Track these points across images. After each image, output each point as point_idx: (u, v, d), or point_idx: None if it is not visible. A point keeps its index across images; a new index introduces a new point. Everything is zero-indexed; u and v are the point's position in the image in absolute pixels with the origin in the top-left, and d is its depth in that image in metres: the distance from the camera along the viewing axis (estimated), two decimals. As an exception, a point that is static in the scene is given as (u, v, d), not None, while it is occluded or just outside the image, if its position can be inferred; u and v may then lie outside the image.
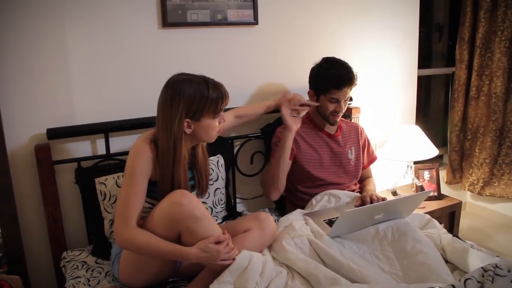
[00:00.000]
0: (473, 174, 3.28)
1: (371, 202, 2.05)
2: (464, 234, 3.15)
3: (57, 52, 1.95)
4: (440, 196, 2.75)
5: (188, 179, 1.71)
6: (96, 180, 1.96)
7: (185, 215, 1.51)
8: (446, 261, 1.71)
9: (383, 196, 2.14)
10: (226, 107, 1.71)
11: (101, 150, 2.09)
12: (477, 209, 3.50)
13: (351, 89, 2.15)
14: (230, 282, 1.54)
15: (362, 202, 2.08)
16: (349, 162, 2.30)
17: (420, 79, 3.14)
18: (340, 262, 1.62)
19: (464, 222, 3.32)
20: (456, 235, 2.70)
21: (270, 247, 1.81)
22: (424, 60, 3.33)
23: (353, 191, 2.32)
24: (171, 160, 1.60)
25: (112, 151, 2.07)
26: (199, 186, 1.80)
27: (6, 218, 1.88)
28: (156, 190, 1.61)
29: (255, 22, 2.31)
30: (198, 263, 1.63)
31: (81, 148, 2.06)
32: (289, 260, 1.69)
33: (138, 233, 1.54)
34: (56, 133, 1.94)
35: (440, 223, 2.62)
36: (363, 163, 2.39)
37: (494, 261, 1.58)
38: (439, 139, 3.59)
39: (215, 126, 1.67)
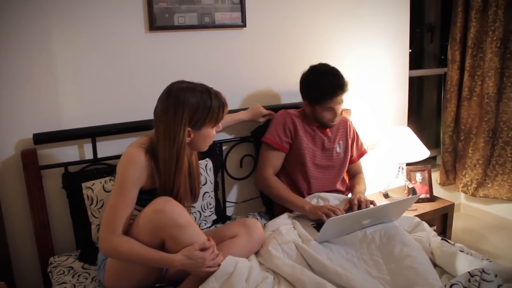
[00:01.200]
0: (466, 175, 3.27)
1: (359, 205, 2.04)
2: (458, 235, 3.14)
3: (43, 56, 1.93)
4: (432, 198, 2.74)
5: (188, 187, 1.70)
6: (83, 185, 1.94)
7: (168, 223, 1.50)
8: (435, 265, 1.70)
9: (372, 199, 2.12)
10: None
11: (89, 155, 2.07)
12: (471, 210, 3.49)
13: (344, 94, 2.14)
14: (215, 288, 1.54)
15: (350, 206, 2.07)
16: (338, 156, 2.30)
17: (412, 80, 3.13)
18: (326, 267, 1.61)
19: (459, 224, 3.32)
20: (449, 238, 2.74)
21: (257, 253, 1.80)
22: (416, 61, 3.32)
23: (342, 192, 2.31)
24: (173, 169, 1.58)
25: (99, 155, 2.06)
26: (193, 193, 1.78)
27: (-9, 224, 1.87)
28: (149, 199, 1.58)
29: (243, 24, 2.30)
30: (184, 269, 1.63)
31: (68, 152, 2.05)
32: (276, 266, 1.68)
33: (122, 241, 1.52)
34: (42, 138, 1.93)
35: (433, 226, 2.65)
36: (352, 156, 2.38)
37: (481, 265, 1.60)
38: (432, 140, 3.58)
39: (212, 135, 1.67)
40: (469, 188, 3.27)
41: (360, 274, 1.63)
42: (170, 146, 1.55)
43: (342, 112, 2.24)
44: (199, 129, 1.60)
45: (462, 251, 1.80)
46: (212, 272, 1.54)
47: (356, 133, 2.43)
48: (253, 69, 2.41)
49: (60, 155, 2.04)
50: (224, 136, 2.35)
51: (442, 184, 3.39)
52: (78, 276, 1.82)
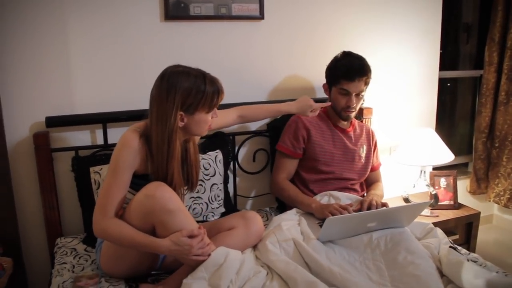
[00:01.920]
0: (499, 185, 3.08)
1: (369, 208, 1.97)
2: (488, 248, 2.98)
3: (58, 42, 1.98)
4: (457, 206, 2.59)
5: (181, 173, 1.69)
6: (91, 169, 1.98)
7: (158, 208, 1.48)
8: (443, 274, 1.60)
9: (393, 203, 2.05)
10: (223, 102, 1.67)
11: (100, 140, 2.11)
12: (504, 222, 3.28)
13: (365, 83, 2.09)
14: (205, 278, 1.51)
15: (361, 206, 1.99)
16: (360, 159, 2.24)
17: (445, 82, 2.98)
18: (322, 266, 1.56)
19: (490, 236, 3.15)
20: (473, 249, 2.58)
21: (255, 246, 1.76)
22: (450, 62, 3.16)
23: (357, 192, 2.24)
24: (165, 153, 1.57)
25: (110, 141, 2.09)
26: (189, 181, 1.77)
27: (1, 201, 1.93)
28: (143, 184, 1.58)
29: (261, 16, 2.26)
30: None
31: (80, 137, 2.09)
32: (270, 261, 1.63)
33: (113, 223, 1.53)
34: (54, 121, 1.98)
35: (455, 235, 2.51)
36: (373, 164, 2.32)
37: (489, 277, 1.48)
38: (464, 146, 3.40)
39: (208, 121, 1.63)
40: (501, 198, 3.08)
41: (358, 276, 1.57)
42: (162, 130, 1.54)
43: (360, 102, 2.16)
44: (192, 114, 1.57)
45: (476, 261, 1.69)
46: (201, 262, 1.51)
47: (376, 144, 2.37)
48: (271, 63, 2.37)
49: (73, 140, 2.08)
50: (238, 128, 2.32)
51: (473, 192, 3.21)
52: (79, 258, 1.86)
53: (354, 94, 2.08)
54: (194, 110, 1.57)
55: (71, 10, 1.97)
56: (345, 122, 2.22)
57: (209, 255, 1.53)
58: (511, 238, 3.14)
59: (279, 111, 2.12)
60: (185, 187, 1.76)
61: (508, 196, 3.04)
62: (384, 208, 1.87)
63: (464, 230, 2.58)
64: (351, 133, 2.24)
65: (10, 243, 1.98)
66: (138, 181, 1.60)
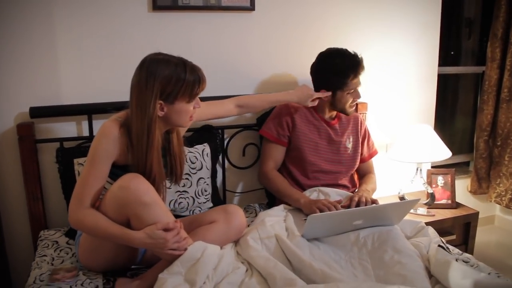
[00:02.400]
0: (501, 185, 3.00)
1: (358, 205, 1.92)
2: (489, 249, 2.91)
3: (44, 32, 1.95)
4: (454, 205, 2.52)
5: (162, 164, 1.64)
6: (75, 160, 1.94)
7: (132, 200, 1.44)
8: (432, 274, 1.54)
9: (387, 201, 1.99)
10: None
11: (86, 132, 2.08)
12: (506, 223, 3.20)
13: (362, 73, 2.07)
14: (181, 273, 1.47)
15: (349, 204, 1.94)
16: (346, 151, 2.18)
17: (446, 78, 2.90)
18: (303, 261, 1.53)
19: (492, 237, 3.08)
20: (471, 249, 2.51)
21: (236, 242, 1.72)
22: (451, 57, 3.08)
23: (347, 188, 2.18)
24: (144, 143, 1.53)
25: (96, 133, 2.04)
26: (172, 173, 1.73)
27: (-17, 193, 1.91)
28: (123, 174, 1.55)
29: (252, 7, 2.21)
30: None
31: (66, 128, 2.06)
32: (250, 257, 1.60)
33: (88, 214, 1.50)
34: (38, 112, 1.95)
35: (452, 235, 2.44)
36: (362, 155, 2.27)
37: (478, 278, 1.42)
38: (465, 144, 3.32)
39: (189, 111, 1.59)
40: (503, 199, 2.99)
41: (342, 273, 1.52)
42: (142, 119, 1.50)
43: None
44: (172, 103, 1.52)
45: (467, 262, 1.63)
46: (177, 256, 1.47)
47: (368, 132, 2.31)
48: (262, 55, 2.31)
49: (59, 131, 2.05)
50: (227, 121, 2.28)
51: (474, 192, 3.13)
52: (60, 250, 1.83)
53: (357, 87, 2.08)
54: (173, 99, 1.52)
55: (57, 0, 1.94)
56: (329, 114, 2.17)
57: (185, 249, 1.48)
58: (513, 239, 3.06)
59: (278, 100, 2.08)
60: (168, 180, 1.72)
61: (510, 196, 2.96)
62: (369, 206, 1.81)
63: (462, 231, 2.51)
64: (336, 126, 2.18)
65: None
66: (118, 172, 1.56)
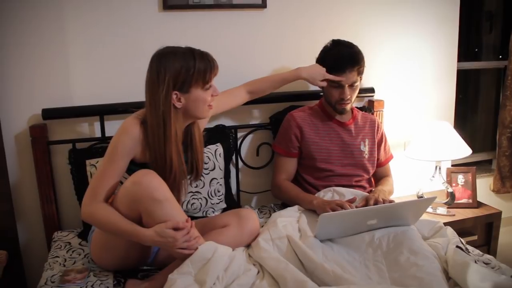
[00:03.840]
0: (525, 183, 2.89)
1: (375, 204, 1.85)
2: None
3: (56, 34, 1.96)
4: (475, 204, 2.43)
5: (183, 158, 1.63)
6: (87, 161, 1.95)
7: (144, 196, 1.44)
8: (450, 276, 1.48)
9: (394, 199, 1.91)
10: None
11: (98, 133, 2.08)
12: (532, 224, 3.08)
13: (358, 73, 1.98)
14: (191, 273, 1.45)
15: (366, 203, 1.88)
16: (362, 154, 2.11)
17: (467, 73, 2.82)
18: (314, 262, 1.49)
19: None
20: (494, 250, 2.42)
21: (248, 244, 1.70)
22: (471, 52, 2.99)
23: (363, 188, 2.12)
24: (161, 137, 1.53)
25: (108, 134, 2.05)
26: (193, 170, 1.71)
27: (-2, 194, 1.93)
28: None
29: (263, 5, 2.18)
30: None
31: (78, 130, 2.07)
32: (261, 258, 1.57)
33: (100, 207, 1.50)
34: (51, 114, 1.96)
35: (473, 235, 2.36)
36: (379, 159, 2.20)
37: (498, 280, 1.36)
38: (487, 141, 3.23)
39: (206, 99, 1.58)
40: (527, 198, 2.89)
41: (356, 275, 1.48)
42: (156, 112, 1.51)
43: (356, 91, 2.04)
44: (187, 92, 1.53)
45: (488, 263, 1.57)
46: (187, 255, 1.45)
47: (385, 136, 2.24)
48: (272, 53, 2.28)
49: (71, 132, 2.06)
50: (240, 121, 2.25)
51: (497, 191, 3.03)
52: (73, 251, 1.83)
53: (347, 85, 1.98)
54: (188, 87, 1.52)
55: (68, 2, 1.95)
56: (344, 115, 2.11)
57: (196, 249, 1.46)
58: (539, 240, 2.94)
59: (285, 79, 2.08)
60: (189, 177, 1.71)
61: (535, 195, 2.85)
62: (383, 204, 1.76)
63: (483, 231, 2.42)
64: (351, 126, 2.12)
65: (7, 237, 1.97)
66: (137, 169, 1.56)
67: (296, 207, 1.96)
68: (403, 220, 1.71)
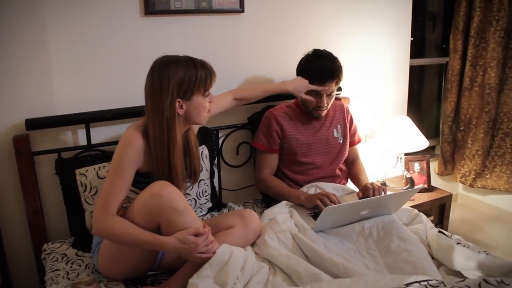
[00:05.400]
0: (465, 166, 3.25)
1: (374, 193, 2.00)
2: (455, 226, 3.14)
3: (36, 42, 1.89)
4: (430, 189, 2.72)
5: (184, 164, 1.68)
6: (77, 171, 1.91)
7: (165, 207, 1.48)
8: (433, 257, 1.68)
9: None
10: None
11: (82, 141, 2.04)
12: (468, 201, 3.47)
13: (336, 84, 2.11)
14: (210, 276, 1.52)
15: (364, 195, 2.03)
16: (336, 140, 2.27)
17: (413, 69, 3.09)
18: (322, 256, 1.60)
19: (456, 214, 3.31)
20: (445, 228, 2.72)
21: (253, 243, 1.78)
22: (417, 49, 3.27)
23: (338, 179, 2.29)
24: (165, 145, 1.56)
25: (93, 141, 2.03)
26: (191, 174, 1.76)
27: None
28: (146, 182, 1.57)
29: (241, 10, 2.24)
30: (180, 257, 1.62)
31: (62, 138, 2.02)
32: (271, 256, 1.66)
33: (116, 221, 1.52)
34: (34, 124, 1.89)
35: (430, 216, 2.63)
36: (350, 140, 2.36)
37: (478, 258, 1.56)
38: (431, 130, 3.55)
39: (206, 106, 1.64)
40: (467, 178, 3.26)
41: (357, 264, 1.62)
42: (159, 120, 1.54)
43: (332, 99, 2.18)
44: (189, 99, 1.58)
45: (459, 243, 1.79)
46: (206, 259, 1.52)
47: (352, 119, 2.39)
48: (252, 55, 2.36)
49: (54, 141, 2.00)
50: (221, 122, 2.32)
51: (440, 174, 3.37)
52: (72, 263, 1.80)
53: (325, 95, 2.10)
54: (191, 95, 1.58)
55: (49, 8, 1.88)
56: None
57: (214, 252, 1.53)
58: (476, 215, 3.33)
59: (272, 90, 2.18)
60: (188, 180, 1.76)
61: (473, 176, 3.22)
62: (379, 196, 1.93)
63: (437, 212, 2.72)
64: (325, 118, 2.25)
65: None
66: (141, 179, 1.60)
67: (284, 203, 2.06)
68: (387, 210, 1.88)
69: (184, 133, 1.69)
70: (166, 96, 1.53)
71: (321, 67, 2.07)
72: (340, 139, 2.28)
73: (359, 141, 2.43)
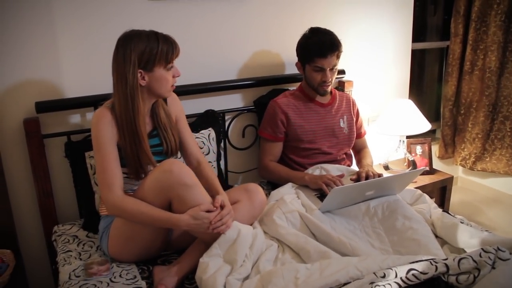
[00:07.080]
0: (465, 149, 3.29)
1: (367, 179, 2.04)
2: (455, 208, 3.18)
3: (45, 25, 1.90)
4: (432, 171, 2.76)
5: (162, 139, 1.74)
6: (86, 154, 1.94)
7: (175, 182, 1.52)
8: (436, 236, 1.72)
9: (378, 171, 2.13)
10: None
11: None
12: (468, 183, 3.52)
13: (337, 57, 2.13)
14: (219, 255, 1.56)
15: (358, 178, 2.07)
16: (341, 130, 2.30)
17: (414, 52, 3.10)
18: (330, 236, 1.64)
19: (456, 197, 3.35)
20: (446, 210, 2.76)
21: (261, 221, 1.81)
22: (418, 33, 3.28)
23: (343, 161, 2.33)
24: (130, 114, 1.60)
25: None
26: (168, 146, 1.76)
27: (-5, 192, 1.87)
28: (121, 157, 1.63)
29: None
30: (187, 235, 1.66)
31: (71, 121, 2.04)
32: (280, 234, 1.70)
33: (129, 201, 1.56)
34: (44, 107, 1.91)
35: (431, 198, 2.66)
36: (357, 132, 2.40)
37: (481, 236, 1.61)
38: (432, 113, 3.58)
39: (169, 79, 1.67)
40: (467, 161, 3.30)
41: (363, 243, 1.66)
42: (124, 91, 1.58)
43: (335, 74, 2.20)
44: (151, 71, 1.61)
45: (462, 223, 1.83)
46: (217, 237, 1.56)
47: (358, 112, 2.43)
48: (254, 38, 2.38)
49: (63, 125, 2.02)
50: (227, 105, 2.34)
51: (441, 157, 3.41)
52: (83, 244, 1.84)
53: (328, 69, 2.13)
54: (152, 66, 1.61)
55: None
56: (324, 97, 2.26)
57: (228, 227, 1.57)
58: (475, 198, 3.39)
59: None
60: (165, 154, 1.77)
61: (473, 159, 3.26)
62: (384, 176, 1.96)
63: (439, 194, 2.76)
64: (331, 106, 2.29)
65: (6, 235, 1.93)
66: (121, 154, 1.64)
67: (289, 185, 2.10)
68: (392, 190, 1.92)
69: (152, 109, 1.73)
70: (128, 67, 1.57)
71: (320, 41, 2.09)
72: (346, 130, 2.31)
73: (364, 133, 2.47)
